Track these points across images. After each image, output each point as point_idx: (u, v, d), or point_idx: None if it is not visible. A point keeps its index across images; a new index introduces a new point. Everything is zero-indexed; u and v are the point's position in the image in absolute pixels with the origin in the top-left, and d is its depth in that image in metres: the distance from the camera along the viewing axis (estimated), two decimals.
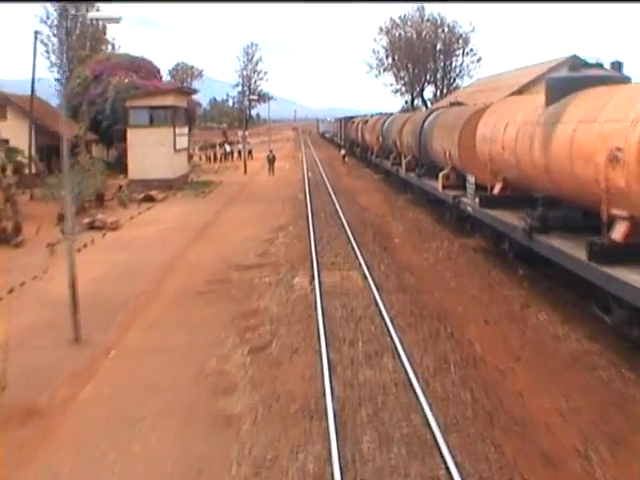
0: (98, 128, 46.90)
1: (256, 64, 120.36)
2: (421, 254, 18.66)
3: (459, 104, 25.31)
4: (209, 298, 14.46)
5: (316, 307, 12.85)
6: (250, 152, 66.14)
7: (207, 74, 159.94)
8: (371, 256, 18.02)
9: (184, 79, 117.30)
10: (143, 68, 48.44)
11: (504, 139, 14.79)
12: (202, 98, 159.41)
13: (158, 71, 50.30)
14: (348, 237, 20.72)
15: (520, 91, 38.50)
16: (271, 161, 47.25)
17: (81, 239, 22.22)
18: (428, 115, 25.39)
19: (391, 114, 43.36)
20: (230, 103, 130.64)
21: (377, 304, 13.11)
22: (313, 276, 15.45)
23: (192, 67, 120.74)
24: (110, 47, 63.38)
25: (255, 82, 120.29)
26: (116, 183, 37.98)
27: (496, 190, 15.99)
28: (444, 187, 20.71)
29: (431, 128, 23.55)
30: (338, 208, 27.49)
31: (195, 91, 43.91)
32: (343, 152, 59.17)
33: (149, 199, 32.95)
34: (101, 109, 46.17)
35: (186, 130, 41.64)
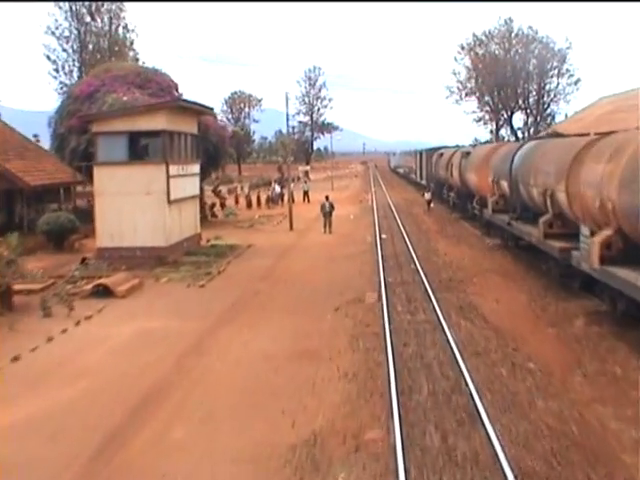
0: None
1: (319, 90, 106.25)
2: None
3: None
4: None
5: None
6: (306, 194, 51.56)
7: (274, 107, 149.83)
8: None
9: (241, 108, 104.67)
10: (153, 82, 34.67)
11: None
12: (266, 129, 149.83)
13: (176, 87, 36.37)
14: None
15: None
16: (328, 213, 32.31)
17: None
18: None
19: (526, 140, 27.27)
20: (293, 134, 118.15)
21: None
22: None
23: (250, 95, 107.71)
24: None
25: (318, 110, 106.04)
26: (92, 248, 24.50)
27: None
28: None
29: None
30: (452, 343, 12.19)
31: (210, 109, 29.21)
32: (428, 196, 43.67)
33: (104, 292, 18.69)
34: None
35: (196, 169, 27.27)
